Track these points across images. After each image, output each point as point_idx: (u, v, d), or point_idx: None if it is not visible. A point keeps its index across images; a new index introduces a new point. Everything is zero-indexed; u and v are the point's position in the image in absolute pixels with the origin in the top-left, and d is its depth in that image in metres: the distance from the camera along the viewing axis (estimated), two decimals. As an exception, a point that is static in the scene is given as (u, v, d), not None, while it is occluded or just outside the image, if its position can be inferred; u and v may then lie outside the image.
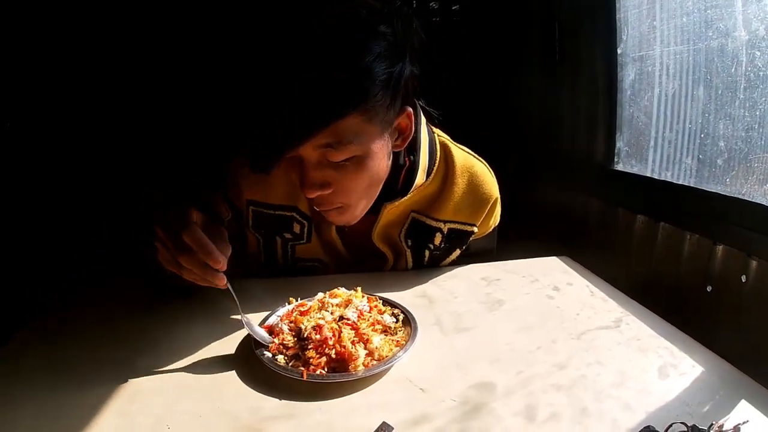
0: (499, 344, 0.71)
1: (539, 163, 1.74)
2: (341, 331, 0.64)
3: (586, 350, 0.69)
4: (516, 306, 0.83)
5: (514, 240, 1.31)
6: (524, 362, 0.66)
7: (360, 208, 0.79)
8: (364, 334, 0.64)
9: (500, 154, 1.57)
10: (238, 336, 0.72)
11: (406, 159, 0.87)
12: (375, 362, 0.62)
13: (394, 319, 0.72)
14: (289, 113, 0.64)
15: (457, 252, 0.98)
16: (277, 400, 0.58)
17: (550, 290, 0.89)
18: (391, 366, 0.63)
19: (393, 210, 0.87)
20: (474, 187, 0.92)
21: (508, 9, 1.96)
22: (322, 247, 0.93)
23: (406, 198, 0.86)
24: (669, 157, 1.29)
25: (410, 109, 0.76)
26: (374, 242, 0.91)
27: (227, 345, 0.70)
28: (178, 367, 0.65)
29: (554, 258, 1.06)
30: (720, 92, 1.12)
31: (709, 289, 0.93)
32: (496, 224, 1.02)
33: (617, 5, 1.36)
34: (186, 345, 0.71)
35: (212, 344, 0.71)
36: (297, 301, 0.78)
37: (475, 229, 0.95)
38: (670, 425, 0.49)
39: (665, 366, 0.65)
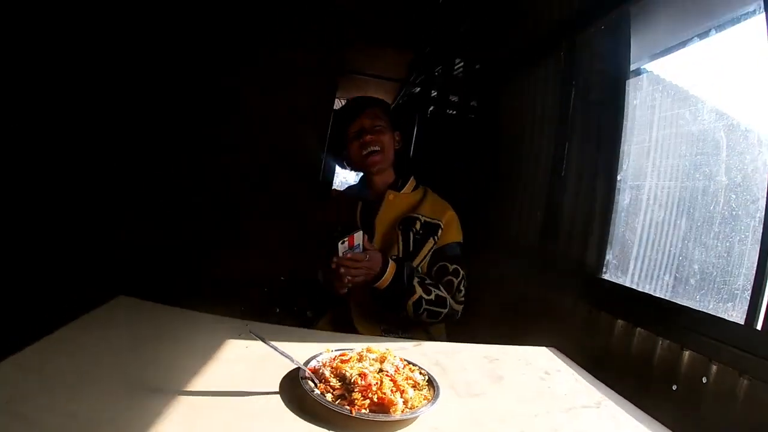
0: (505, 409, 0.86)
1: (537, 266, 1.93)
2: (383, 381, 0.78)
3: (571, 422, 0.84)
4: (515, 381, 0.99)
5: (510, 330, 1.47)
6: (526, 425, 0.81)
7: (385, 159, 1.51)
8: (400, 385, 0.79)
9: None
10: (281, 372, 0.85)
11: (399, 180, 1.56)
12: (408, 410, 0.77)
13: (422, 377, 0.87)
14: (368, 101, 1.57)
15: (431, 243, 1.45)
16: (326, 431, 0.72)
17: (542, 373, 1.05)
18: (420, 414, 0.77)
19: (393, 199, 1.52)
20: (440, 203, 1.54)
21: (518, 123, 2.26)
22: None
23: (400, 192, 1.53)
24: (650, 272, 1.51)
25: (398, 132, 1.58)
26: (375, 223, 1.49)
27: (273, 381, 0.83)
28: (228, 399, 0.78)
29: (544, 348, 1.22)
30: (699, 224, 1.36)
31: (674, 387, 1.10)
32: (459, 240, 1.50)
33: (622, 137, 1.62)
34: (234, 381, 0.83)
35: (257, 378, 0.84)
36: (331, 351, 0.92)
37: (441, 225, 1.46)
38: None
39: (637, 441, 0.80)
